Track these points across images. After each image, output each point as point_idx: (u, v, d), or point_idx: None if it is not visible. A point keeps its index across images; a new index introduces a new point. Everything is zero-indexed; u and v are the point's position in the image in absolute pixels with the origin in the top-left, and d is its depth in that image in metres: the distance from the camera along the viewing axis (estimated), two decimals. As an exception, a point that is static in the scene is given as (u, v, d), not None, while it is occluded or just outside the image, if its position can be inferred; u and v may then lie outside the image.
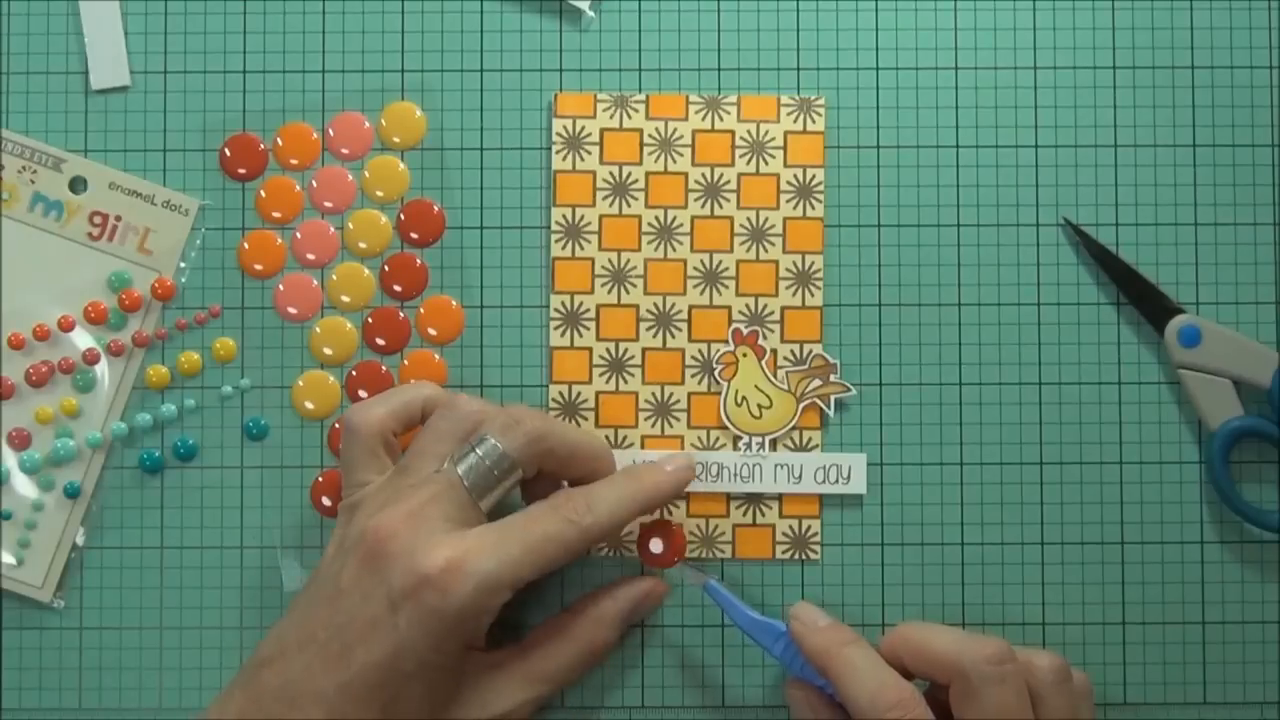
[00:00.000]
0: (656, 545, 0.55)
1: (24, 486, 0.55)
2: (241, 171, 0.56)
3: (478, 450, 0.50)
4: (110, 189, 0.56)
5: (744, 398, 0.55)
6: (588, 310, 0.56)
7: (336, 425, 0.55)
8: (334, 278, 0.56)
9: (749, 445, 0.55)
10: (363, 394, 0.56)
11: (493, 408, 0.52)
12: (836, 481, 0.55)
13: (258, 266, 0.56)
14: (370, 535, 0.49)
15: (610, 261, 0.56)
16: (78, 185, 0.56)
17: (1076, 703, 0.50)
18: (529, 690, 0.51)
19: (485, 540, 0.48)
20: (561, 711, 0.55)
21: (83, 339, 0.55)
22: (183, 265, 0.56)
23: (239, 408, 0.56)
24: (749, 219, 0.56)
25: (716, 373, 0.56)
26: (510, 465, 0.50)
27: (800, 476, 0.55)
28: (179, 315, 0.56)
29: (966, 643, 0.49)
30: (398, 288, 0.56)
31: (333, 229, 0.56)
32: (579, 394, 0.56)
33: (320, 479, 0.55)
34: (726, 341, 0.56)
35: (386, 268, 0.56)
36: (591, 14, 0.56)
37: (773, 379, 0.56)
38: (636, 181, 0.56)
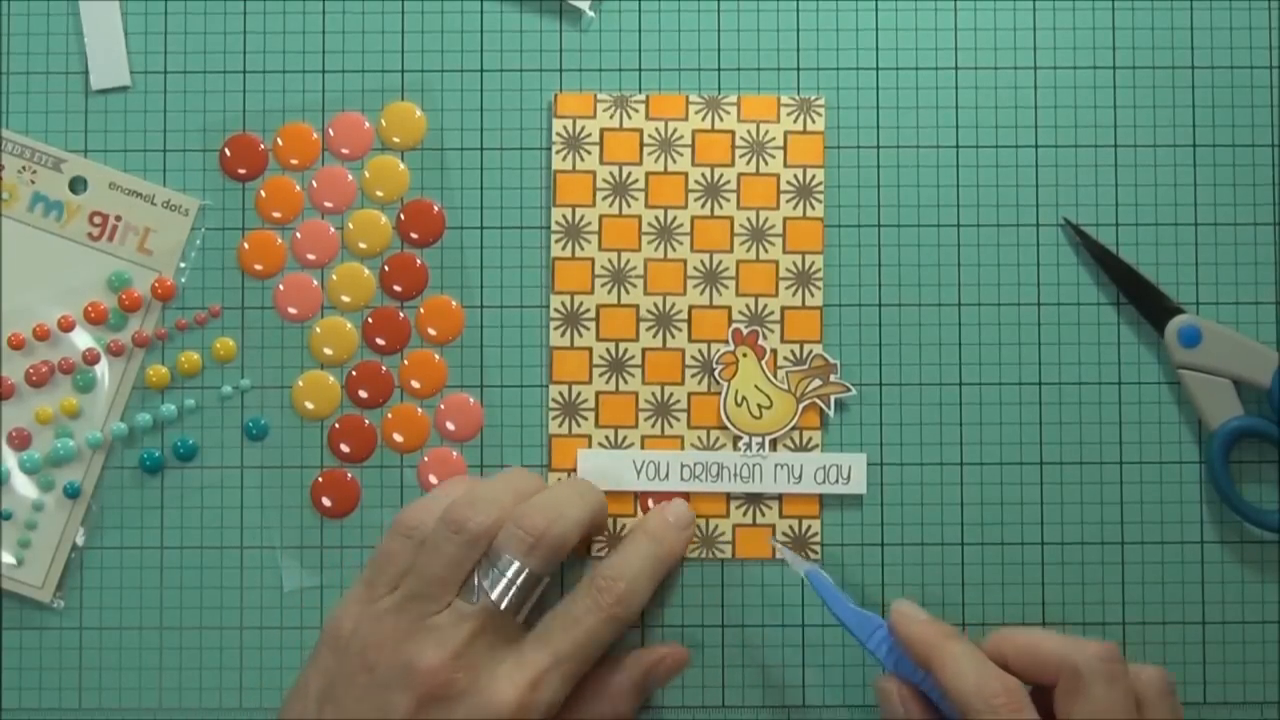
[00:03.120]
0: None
1: (24, 486, 0.55)
2: (241, 171, 0.56)
3: (507, 575, 0.50)
4: (110, 189, 0.56)
5: (744, 398, 0.55)
6: (588, 310, 0.56)
7: (337, 425, 0.55)
8: (334, 278, 0.56)
9: (749, 445, 0.55)
10: (363, 394, 0.56)
11: (497, 515, 0.51)
12: (836, 481, 0.55)
13: (258, 266, 0.56)
14: (423, 678, 0.49)
15: (610, 261, 0.56)
16: (78, 185, 0.56)
17: (1175, 709, 0.50)
18: None
19: (540, 660, 0.50)
20: (562, 711, 0.55)
21: (83, 339, 0.55)
22: (183, 265, 0.56)
23: (239, 408, 0.56)
24: (749, 219, 0.56)
25: (716, 373, 0.56)
26: (539, 581, 0.51)
27: (800, 476, 0.55)
28: (179, 315, 0.56)
29: (1076, 641, 0.50)
30: (398, 288, 0.56)
31: (333, 229, 0.56)
32: (579, 394, 0.56)
33: (320, 479, 0.55)
34: (726, 341, 0.56)
35: (386, 268, 0.56)
36: (591, 14, 0.56)
37: (773, 379, 0.56)
38: (636, 181, 0.56)
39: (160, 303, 0.56)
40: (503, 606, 0.50)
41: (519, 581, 0.50)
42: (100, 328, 0.55)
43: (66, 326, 0.55)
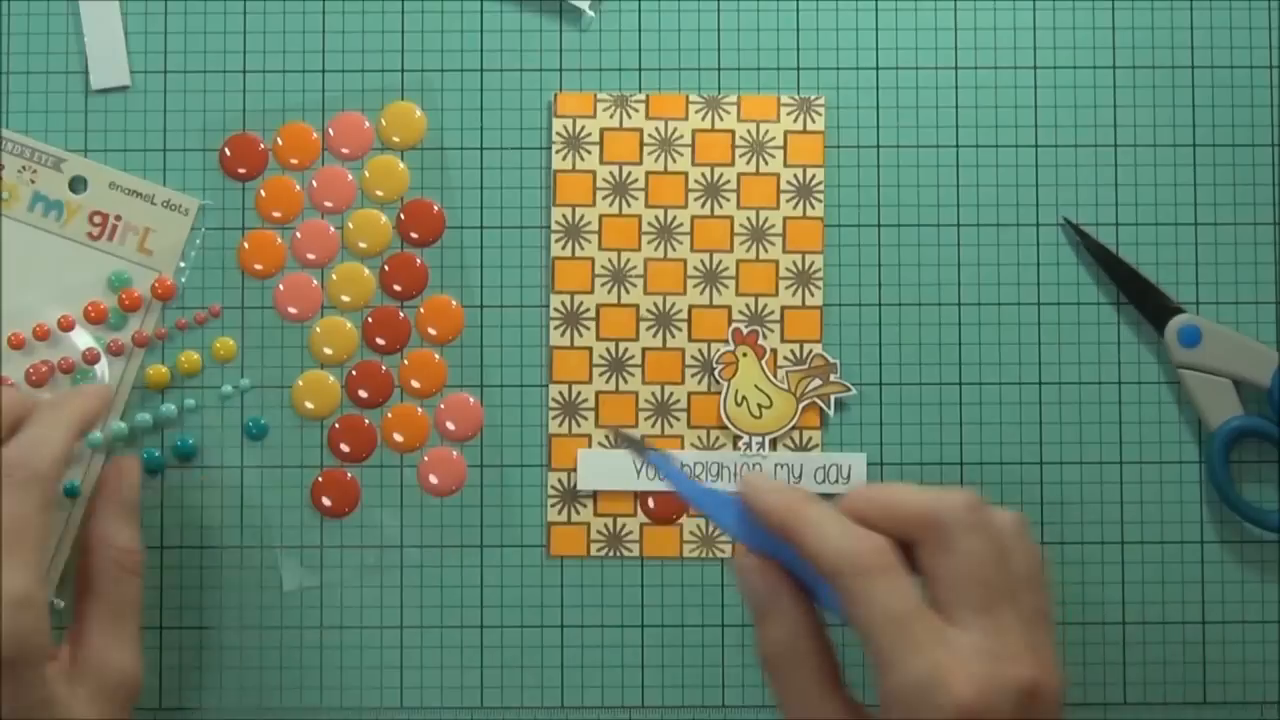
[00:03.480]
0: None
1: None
2: (241, 171, 0.56)
3: None
4: (110, 189, 0.56)
5: (744, 397, 0.55)
6: (588, 310, 0.56)
7: (337, 425, 0.55)
8: (334, 277, 0.56)
9: (749, 445, 0.55)
10: (363, 394, 0.56)
11: None
12: (836, 481, 0.55)
13: (258, 266, 0.56)
14: None
15: (610, 261, 0.56)
16: (78, 185, 0.56)
17: (1039, 558, 0.48)
18: (105, 687, 0.49)
19: None
20: (560, 712, 0.55)
21: (82, 339, 0.55)
22: (182, 265, 0.56)
23: (239, 408, 0.56)
24: (749, 219, 0.56)
25: (716, 372, 0.56)
26: None
27: (800, 476, 0.55)
28: (179, 315, 0.56)
29: (938, 494, 0.47)
30: (398, 287, 0.56)
31: (333, 229, 0.56)
32: (579, 394, 0.56)
33: (320, 479, 0.55)
34: (726, 341, 0.56)
35: (386, 267, 0.56)
36: (591, 14, 0.56)
37: (773, 379, 0.56)
38: (636, 181, 0.56)
39: (160, 302, 0.55)
40: None
41: None
42: (100, 327, 0.55)
43: (66, 326, 0.55)
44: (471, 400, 0.56)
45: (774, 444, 0.55)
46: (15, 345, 0.55)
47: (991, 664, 0.45)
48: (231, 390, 0.56)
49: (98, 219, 0.56)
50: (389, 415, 0.56)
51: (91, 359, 0.55)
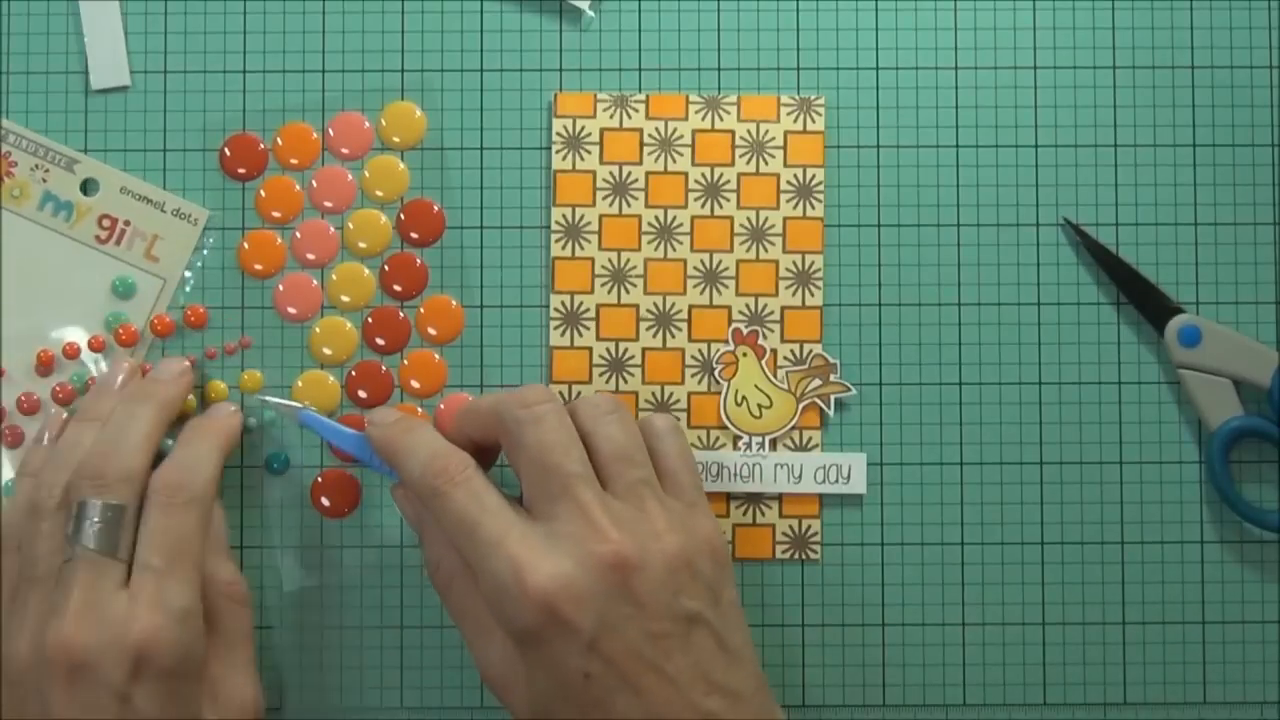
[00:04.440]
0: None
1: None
2: (241, 171, 0.56)
3: (89, 518, 0.48)
4: (121, 193, 0.56)
5: (744, 397, 0.55)
6: (588, 310, 0.56)
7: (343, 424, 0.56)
8: (334, 278, 0.56)
9: (749, 445, 0.55)
10: (363, 394, 0.56)
11: (66, 477, 0.49)
12: (836, 481, 0.55)
13: (258, 266, 0.56)
14: (59, 654, 0.46)
15: (610, 261, 0.56)
16: (89, 187, 0.56)
17: (632, 433, 0.50)
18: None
19: (147, 582, 0.48)
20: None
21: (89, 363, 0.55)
22: (188, 274, 0.56)
23: (259, 442, 0.55)
24: (749, 219, 0.56)
25: (716, 373, 0.56)
26: (122, 510, 0.49)
27: (800, 476, 0.55)
28: (202, 338, 0.55)
29: (506, 394, 0.50)
30: (398, 288, 0.56)
31: (333, 229, 0.56)
32: (579, 394, 0.56)
33: (320, 479, 0.55)
34: (726, 341, 0.56)
35: (386, 268, 0.56)
36: (591, 14, 0.56)
37: (773, 379, 0.56)
38: (636, 181, 0.56)
39: (158, 338, 0.55)
40: (94, 548, 0.48)
41: (101, 519, 0.48)
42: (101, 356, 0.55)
43: (96, 347, 0.55)
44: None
45: (774, 444, 0.56)
46: (44, 362, 0.55)
47: (568, 546, 0.46)
48: (255, 424, 0.55)
49: (106, 222, 0.56)
50: (389, 415, 0.56)
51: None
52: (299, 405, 0.55)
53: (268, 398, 0.55)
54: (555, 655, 0.46)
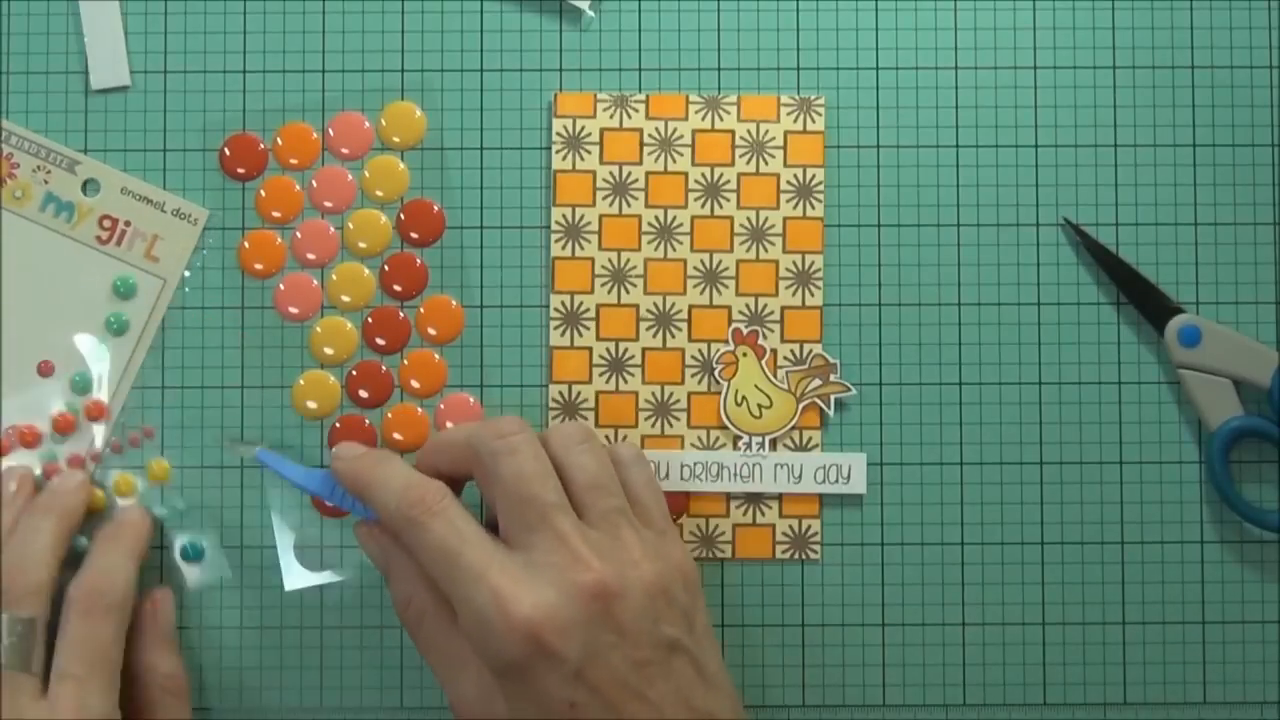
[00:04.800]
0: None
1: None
2: (241, 171, 0.56)
3: (3, 635, 0.49)
4: (122, 194, 0.56)
5: (744, 397, 0.55)
6: (588, 310, 0.56)
7: (338, 424, 0.55)
8: (334, 278, 0.56)
9: (749, 445, 0.55)
10: (363, 394, 0.56)
11: None
12: (836, 481, 0.55)
13: (258, 266, 0.56)
14: None
15: (610, 261, 0.56)
16: (90, 187, 0.56)
17: (604, 462, 0.50)
18: None
19: (66, 693, 0.48)
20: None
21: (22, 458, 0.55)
22: (187, 274, 0.56)
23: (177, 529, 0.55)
24: (749, 219, 0.56)
25: (716, 372, 0.56)
26: (32, 622, 0.49)
27: (800, 476, 0.55)
28: (122, 425, 0.55)
29: (479, 425, 0.50)
30: (398, 288, 0.56)
31: (333, 229, 0.56)
32: (579, 394, 0.56)
33: (320, 479, 0.56)
34: (726, 341, 0.56)
35: (386, 268, 0.56)
36: (591, 14, 0.56)
37: (773, 379, 0.56)
38: (636, 181, 0.56)
39: (93, 422, 0.55)
40: (5, 664, 0.48)
41: (12, 634, 0.49)
42: (36, 450, 0.55)
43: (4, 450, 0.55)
44: (471, 400, 0.56)
45: (774, 444, 0.56)
46: (44, 371, 0.55)
47: (550, 575, 0.46)
48: (167, 512, 0.55)
49: (107, 223, 0.56)
50: (389, 415, 0.56)
51: (51, 472, 0.55)
52: (256, 446, 0.54)
53: (226, 443, 0.55)
54: (540, 686, 0.46)
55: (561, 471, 0.49)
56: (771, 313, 0.56)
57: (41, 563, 0.51)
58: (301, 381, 0.56)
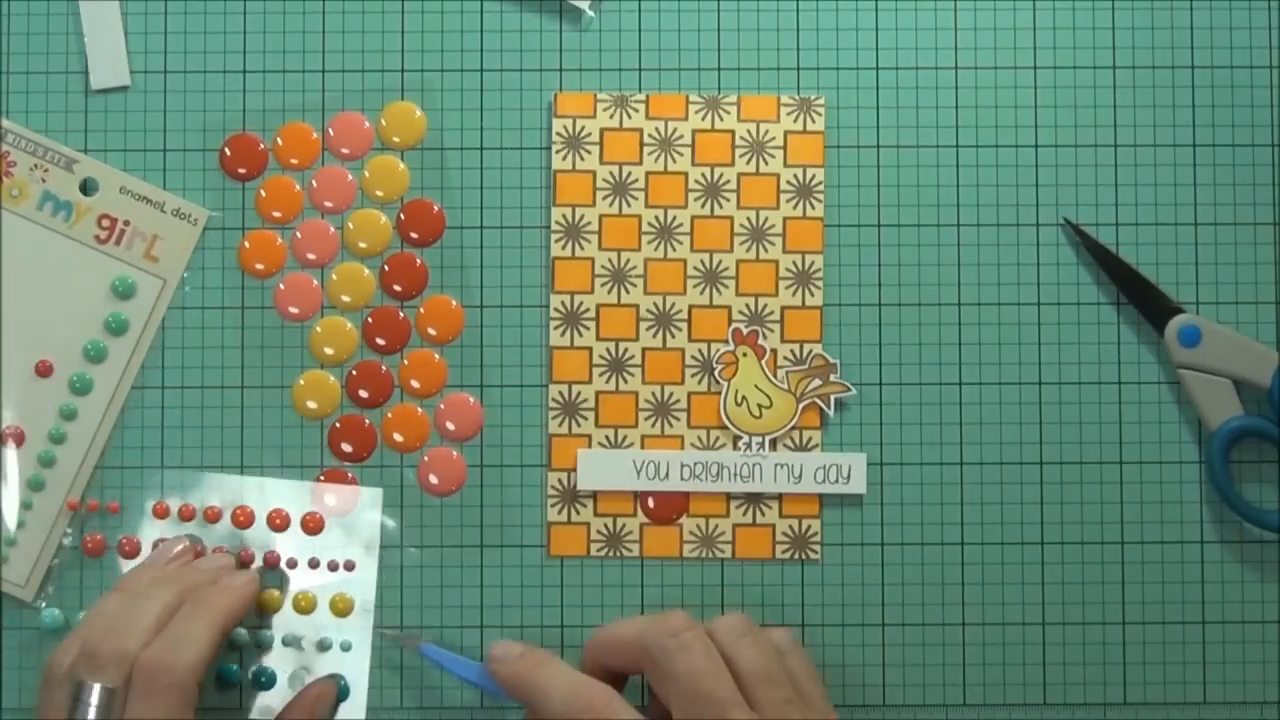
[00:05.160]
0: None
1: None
2: (241, 171, 0.56)
3: (89, 702, 0.47)
4: (121, 193, 0.56)
5: (744, 397, 0.55)
6: (588, 310, 0.56)
7: (338, 424, 0.55)
8: (334, 277, 0.56)
9: (749, 445, 0.55)
10: (363, 394, 0.56)
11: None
12: (836, 481, 0.55)
13: (258, 266, 0.56)
14: None
15: (610, 261, 0.56)
16: (89, 187, 0.56)
17: (770, 652, 0.50)
18: None
19: None
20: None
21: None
22: (187, 274, 0.56)
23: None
24: (749, 219, 0.56)
25: (716, 372, 0.56)
26: (118, 695, 0.48)
27: (800, 476, 0.55)
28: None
29: (646, 623, 0.50)
30: (398, 287, 0.56)
31: (333, 229, 0.56)
32: (579, 394, 0.56)
33: (321, 478, 0.55)
34: (726, 341, 0.56)
35: (386, 267, 0.56)
36: (591, 14, 0.56)
37: (773, 379, 0.56)
38: (636, 181, 0.56)
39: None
40: None
41: (97, 702, 0.47)
42: None
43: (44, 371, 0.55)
44: (471, 400, 0.56)
45: (774, 444, 0.55)
46: (43, 371, 0.55)
47: None
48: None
49: (106, 222, 0.56)
50: (389, 415, 0.56)
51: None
52: (419, 638, 0.54)
53: (385, 630, 0.55)
54: None
55: (729, 664, 0.49)
56: (771, 313, 0.56)
57: (140, 632, 0.49)
58: (301, 381, 0.56)
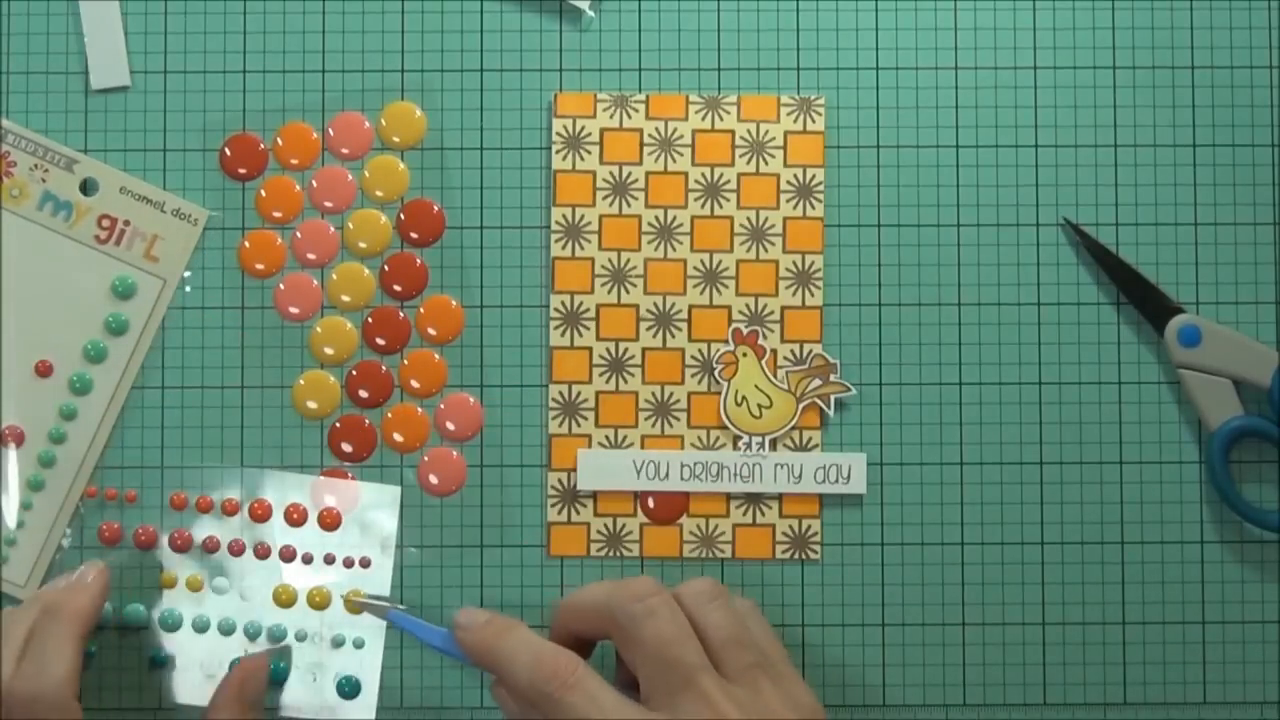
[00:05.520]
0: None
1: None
2: (241, 171, 0.56)
3: None
4: (121, 193, 0.56)
5: (744, 397, 0.55)
6: (588, 310, 0.56)
7: (338, 424, 0.55)
8: (334, 277, 0.56)
9: (749, 445, 0.55)
10: (363, 394, 0.56)
11: None
12: (836, 481, 0.55)
13: (258, 266, 0.56)
14: None
15: (610, 261, 0.56)
16: (89, 187, 0.56)
17: (738, 617, 0.50)
18: None
19: None
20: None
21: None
22: (187, 274, 0.56)
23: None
24: (749, 219, 0.56)
25: (716, 372, 0.56)
26: None
27: (800, 476, 0.55)
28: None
29: (612, 587, 0.50)
30: (398, 287, 0.56)
31: (333, 229, 0.56)
32: (579, 394, 0.56)
33: (321, 478, 0.55)
34: (726, 341, 0.56)
35: (386, 267, 0.56)
36: (591, 14, 0.56)
37: (773, 379, 0.56)
38: (636, 181, 0.56)
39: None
40: None
41: None
42: None
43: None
44: (471, 400, 0.56)
45: (774, 444, 0.55)
46: (42, 371, 0.55)
47: None
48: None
49: (106, 223, 0.56)
50: (389, 415, 0.56)
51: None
52: (388, 604, 0.54)
53: (355, 599, 0.54)
54: None
55: (696, 629, 0.49)
56: (771, 313, 0.56)
57: (8, 661, 0.48)
58: (301, 381, 0.56)
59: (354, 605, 0.54)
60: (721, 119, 0.56)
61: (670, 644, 0.48)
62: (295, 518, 0.55)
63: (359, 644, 0.55)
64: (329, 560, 0.55)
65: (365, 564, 0.55)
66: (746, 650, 0.49)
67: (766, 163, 0.56)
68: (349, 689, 0.55)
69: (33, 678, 0.48)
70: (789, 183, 0.56)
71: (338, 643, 0.55)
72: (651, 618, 0.48)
